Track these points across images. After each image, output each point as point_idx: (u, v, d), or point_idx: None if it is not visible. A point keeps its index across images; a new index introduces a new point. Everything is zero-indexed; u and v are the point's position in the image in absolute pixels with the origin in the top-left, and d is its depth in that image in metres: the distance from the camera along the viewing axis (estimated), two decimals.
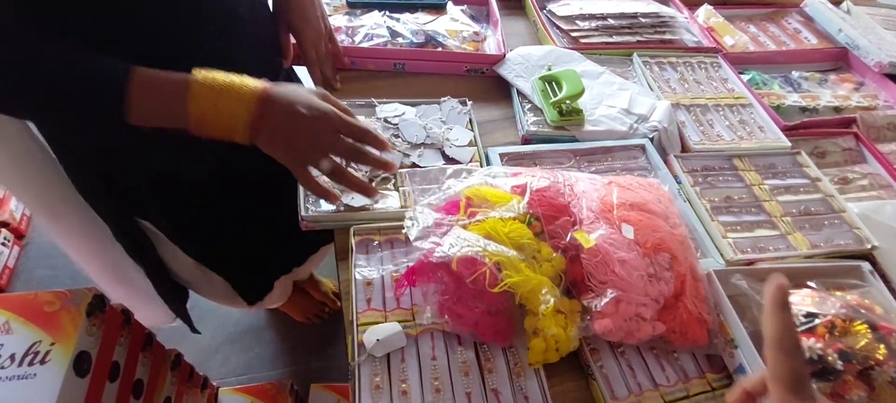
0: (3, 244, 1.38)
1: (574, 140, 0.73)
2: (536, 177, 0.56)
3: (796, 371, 0.29)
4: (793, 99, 0.90)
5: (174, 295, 0.81)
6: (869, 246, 0.67)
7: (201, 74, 0.48)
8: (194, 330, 0.91)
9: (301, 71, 0.79)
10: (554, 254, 0.53)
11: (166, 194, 0.67)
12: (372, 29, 0.80)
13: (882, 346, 0.50)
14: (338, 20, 0.82)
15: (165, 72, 0.47)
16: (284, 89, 0.50)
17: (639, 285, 0.50)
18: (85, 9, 0.47)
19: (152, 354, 0.80)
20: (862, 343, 0.50)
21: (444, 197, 0.56)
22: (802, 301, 0.54)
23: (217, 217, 0.72)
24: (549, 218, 0.55)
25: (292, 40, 0.72)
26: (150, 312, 0.82)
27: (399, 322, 0.54)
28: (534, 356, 0.51)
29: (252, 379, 1.27)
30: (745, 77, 0.92)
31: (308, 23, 0.69)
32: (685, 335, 0.53)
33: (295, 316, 1.32)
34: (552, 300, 0.49)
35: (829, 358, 0.49)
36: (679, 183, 0.70)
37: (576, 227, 0.53)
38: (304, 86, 0.53)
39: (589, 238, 0.50)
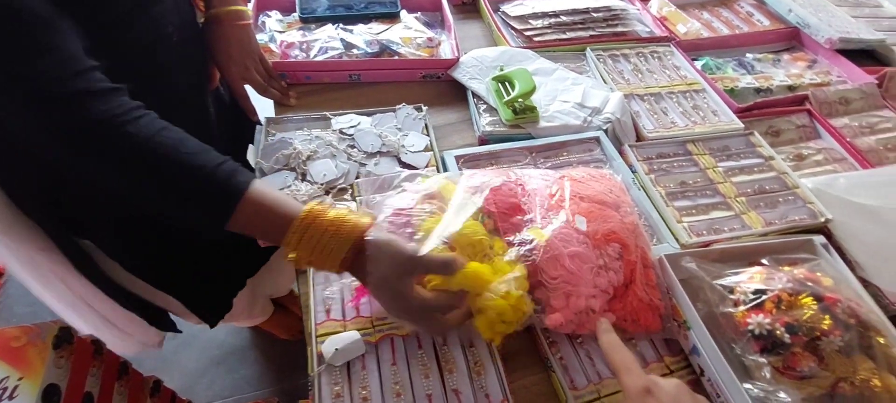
0: None
1: (530, 137, 0.74)
2: (490, 177, 0.57)
3: (643, 383, 0.40)
4: (747, 81, 0.92)
5: (143, 307, 0.80)
6: (823, 220, 0.68)
7: (305, 213, 0.47)
8: (176, 330, 0.89)
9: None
10: (508, 249, 0.53)
11: (108, 218, 0.66)
12: (326, 42, 0.81)
13: (827, 317, 0.51)
14: (292, 36, 0.83)
15: (277, 199, 0.48)
16: (381, 252, 0.47)
17: (588, 278, 0.51)
18: None
19: (129, 382, 0.79)
20: (807, 315, 0.51)
21: (399, 201, 0.57)
22: (751, 278, 0.55)
23: (160, 237, 0.72)
24: (502, 215, 0.56)
25: None
26: (128, 337, 0.81)
27: (358, 330, 0.55)
28: (484, 332, 0.50)
29: (239, 401, 1.27)
30: (699, 63, 0.93)
31: (231, 59, 0.70)
32: (637, 322, 0.53)
33: (279, 334, 1.32)
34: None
35: (777, 332, 0.50)
36: (634, 172, 0.71)
37: (530, 224, 0.54)
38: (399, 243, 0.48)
39: (542, 233, 0.51)
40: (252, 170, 0.66)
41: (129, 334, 0.80)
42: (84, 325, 0.76)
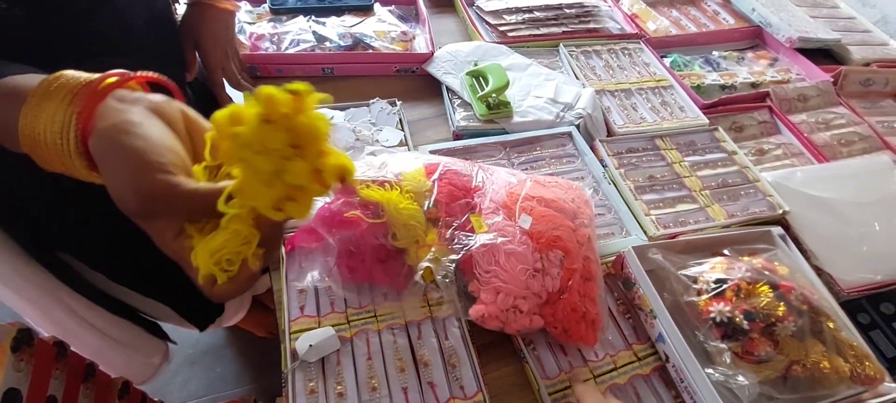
0: None
1: (504, 132, 0.75)
2: (452, 161, 0.57)
3: None
4: (712, 78, 0.95)
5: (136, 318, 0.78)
6: (781, 212, 0.72)
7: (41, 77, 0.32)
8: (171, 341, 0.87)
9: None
10: (437, 242, 0.53)
11: (84, 226, 0.64)
12: (297, 34, 0.80)
13: (782, 304, 0.53)
14: (262, 27, 0.81)
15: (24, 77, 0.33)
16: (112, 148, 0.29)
17: (521, 279, 0.51)
18: None
19: (95, 385, 0.77)
20: (764, 302, 0.53)
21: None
22: (713, 268, 0.58)
23: (146, 246, 0.70)
24: (452, 197, 0.55)
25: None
26: (132, 352, 0.78)
27: (333, 325, 0.55)
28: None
29: (215, 399, 1.25)
30: (667, 60, 0.96)
31: (217, 44, 0.69)
32: (568, 332, 0.53)
33: (256, 331, 1.30)
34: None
35: (737, 319, 0.53)
36: (604, 166, 0.73)
37: (472, 211, 0.54)
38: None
39: (483, 223, 0.51)
40: None
41: (133, 348, 0.78)
42: (84, 349, 0.73)
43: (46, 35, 0.49)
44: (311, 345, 0.52)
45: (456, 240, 0.52)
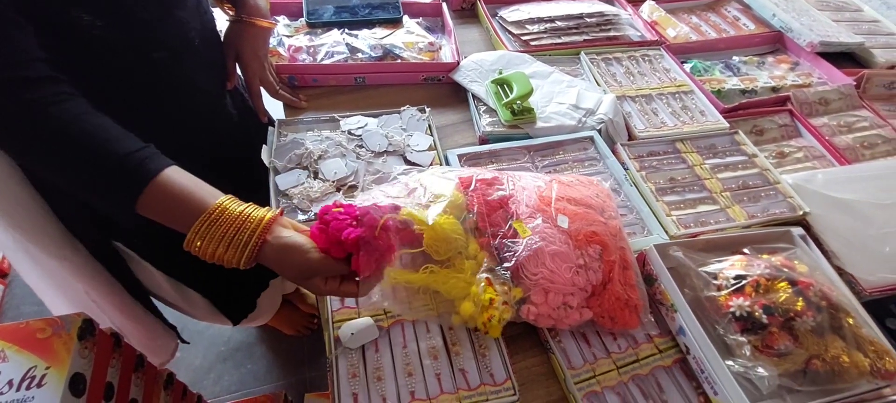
0: None
1: (528, 137, 0.79)
2: (482, 172, 0.61)
3: None
4: (733, 82, 0.97)
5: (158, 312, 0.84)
6: (801, 213, 0.73)
7: (214, 206, 0.47)
8: (183, 340, 0.93)
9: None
10: (479, 252, 0.57)
11: (147, 225, 0.70)
12: (332, 46, 0.85)
13: (800, 299, 0.55)
14: (299, 40, 0.87)
15: (187, 189, 0.48)
16: (282, 258, 0.48)
17: (567, 276, 0.54)
18: (41, 32, 0.47)
19: (145, 375, 0.83)
20: (783, 297, 0.55)
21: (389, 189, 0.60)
22: (732, 265, 0.60)
23: None
24: (488, 208, 0.59)
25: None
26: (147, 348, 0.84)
27: (371, 316, 0.59)
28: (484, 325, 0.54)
29: (246, 395, 1.30)
30: (688, 65, 0.98)
31: (256, 57, 0.74)
32: (615, 319, 0.57)
33: (284, 329, 1.35)
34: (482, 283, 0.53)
35: (756, 314, 0.55)
36: (626, 169, 0.76)
37: (514, 218, 0.57)
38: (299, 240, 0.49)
39: (526, 228, 0.55)
40: (266, 168, 0.70)
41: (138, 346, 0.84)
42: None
43: (120, 42, 0.55)
44: (352, 333, 0.57)
45: (505, 249, 0.56)
